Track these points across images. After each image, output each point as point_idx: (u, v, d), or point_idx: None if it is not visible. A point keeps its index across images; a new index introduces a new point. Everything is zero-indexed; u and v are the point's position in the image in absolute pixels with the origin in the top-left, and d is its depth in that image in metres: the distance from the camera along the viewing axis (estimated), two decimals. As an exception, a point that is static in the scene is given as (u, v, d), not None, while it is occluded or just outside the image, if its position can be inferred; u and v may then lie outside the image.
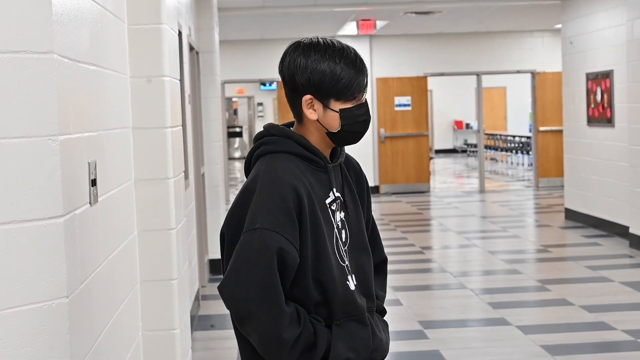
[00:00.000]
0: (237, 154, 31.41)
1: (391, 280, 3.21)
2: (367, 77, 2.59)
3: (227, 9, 12.36)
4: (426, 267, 10.02)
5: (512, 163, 24.84)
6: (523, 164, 23.82)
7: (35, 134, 2.49)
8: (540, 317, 7.68)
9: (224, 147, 12.29)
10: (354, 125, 2.59)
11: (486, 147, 24.08)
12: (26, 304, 2.46)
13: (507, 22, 17.13)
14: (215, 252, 9.69)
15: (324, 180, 2.61)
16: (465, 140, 30.17)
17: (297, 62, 2.55)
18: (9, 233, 2.43)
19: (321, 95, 2.55)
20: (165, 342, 4.21)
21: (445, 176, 22.62)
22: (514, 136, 25.75)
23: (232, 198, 18.20)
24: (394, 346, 3.93)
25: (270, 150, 2.59)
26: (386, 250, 2.91)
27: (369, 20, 15.54)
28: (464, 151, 29.48)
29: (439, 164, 26.21)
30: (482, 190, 18.17)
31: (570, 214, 13.40)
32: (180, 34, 6.36)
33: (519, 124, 28.24)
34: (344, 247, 2.62)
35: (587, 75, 12.57)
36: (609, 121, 11.87)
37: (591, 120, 12.50)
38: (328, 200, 2.60)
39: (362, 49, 17.63)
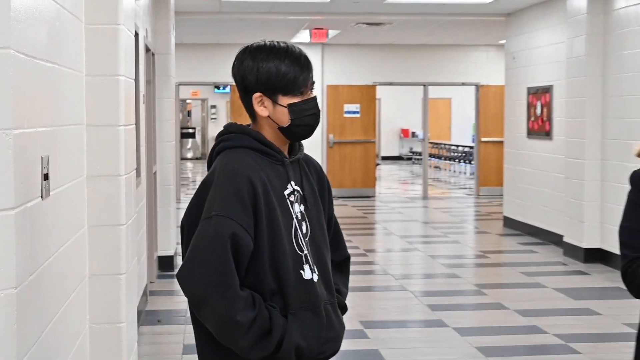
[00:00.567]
0: (189, 155, 31.29)
1: (334, 280, 3.22)
2: (312, 73, 2.66)
3: (184, 12, 12.31)
4: (369, 269, 10.05)
5: (454, 171, 25.05)
6: (465, 173, 24.02)
7: (-11, 127, 2.47)
8: (476, 320, 7.73)
9: (176, 147, 12.20)
10: (303, 119, 2.64)
11: (430, 155, 24.23)
12: (-25, 294, 2.44)
13: (454, 36, 17.27)
14: (164, 249, 9.63)
15: (282, 173, 2.66)
16: (411, 148, 30.36)
17: (245, 63, 2.64)
18: (-40, 223, 2.40)
19: (269, 91, 2.61)
20: (112, 336, 4.18)
21: (390, 182, 22.71)
22: (457, 146, 25.99)
23: (184, 197, 18.10)
24: (335, 344, 3.93)
25: (229, 145, 2.66)
26: (331, 251, 2.92)
27: (321, 29, 15.58)
28: (409, 159, 29.68)
29: (384, 170, 26.30)
30: (425, 197, 18.28)
31: (509, 222, 13.52)
32: (137, 35, 6.31)
33: (462, 134, 28.44)
34: (304, 239, 2.66)
35: (528, 89, 12.69)
36: (548, 134, 12.01)
37: (531, 133, 12.62)
38: (286, 192, 2.65)
39: (314, 57, 17.62)
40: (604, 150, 10.25)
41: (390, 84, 19.36)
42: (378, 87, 19.08)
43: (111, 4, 4.13)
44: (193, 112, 32.89)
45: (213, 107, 32.23)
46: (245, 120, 2.74)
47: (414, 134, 30.81)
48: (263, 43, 2.65)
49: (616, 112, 9.95)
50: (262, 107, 2.63)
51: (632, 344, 7.15)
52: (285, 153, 2.70)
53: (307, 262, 2.64)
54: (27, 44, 2.78)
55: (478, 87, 18.48)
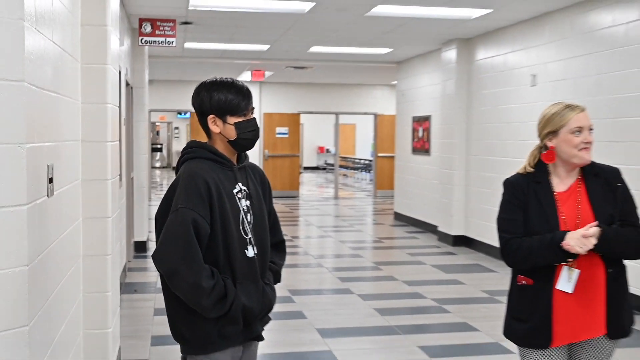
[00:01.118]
0: (158, 164, 30.80)
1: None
2: (252, 100, 2.67)
3: (155, 56, 12.14)
4: (295, 251, 10.05)
5: (358, 178, 25.16)
6: (366, 179, 24.16)
7: (8, 142, 2.41)
8: (374, 288, 7.77)
9: (148, 159, 12.01)
10: (246, 134, 2.65)
11: (340, 166, 24.35)
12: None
13: (359, 77, 17.41)
14: (139, 236, 9.49)
15: (231, 177, 2.66)
16: (325, 161, 30.40)
17: (202, 94, 2.65)
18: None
19: (220, 113, 2.62)
20: (100, 302, 4.11)
21: (310, 186, 22.74)
22: (360, 159, 26.16)
23: (154, 197, 17.74)
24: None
25: (190, 157, 2.66)
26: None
27: (260, 70, 15.53)
28: (324, 169, 29.73)
29: (306, 177, 26.31)
30: (336, 197, 18.35)
31: (398, 216, 13.65)
32: (120, 72, 6.22)
33: (364, 151, 28.63)
34: (249, 226, 2.66)
35: (413, 118, 12.82)
36: (427, 151, 12.16)
37: (415, 150, 12.76)
38: (235, 190, 2.65)
39: (254, 91, 17.62)
40: (468, 164, 10.43)
41: (311, 112, 19.40)
42: (302, 115, 19.11)
43: (101, 49, 4.06)
44: (161, 132, 32.39)
45: (176, 128, 31.78)
46: (202, 138, 2.75)
47: (327, 150, 30.86)
48: (215, 79, 2.67)
49: (477, 135, 10.15)
50: (215, 125, 2.64)
51: (488, 305, 7.30)
52: (234, 162, 2.70)
53: (251, 244, 2.65)
54: (36, 78, 2.73)
55: (376, 115, 18.63)
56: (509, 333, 2.96)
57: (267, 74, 16.24)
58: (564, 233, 2.74)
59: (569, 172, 2.90)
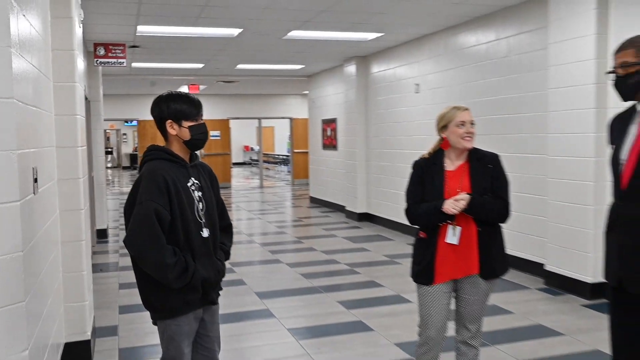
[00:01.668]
0: (109, 165, 29.85)
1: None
2: (202, 109, 2.69)
3: (108, 74, 11.77)
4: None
5: (278, 170, 25.17)
6: (284, 171, 24.20)
7: (3, 149, 2.35)
8: (298, 258, 7.79)
9: (104, 160, 11.65)
10: (198, 135, 2.67)
11: (263, 161, 24.29)
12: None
13: (277, 88, 17.38)
14: (100, 224, 9.21)
15: (185, 173, 2.65)
16: (251, 157, 30.25)
17: (160, 104, 2.65)
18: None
19: (176, 119, 2.63)
20: (78, 280, 4.01)
21: (239, 178, 22.56)
22: (279, 155, 26.11)
23: (109, 193, 17.10)
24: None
25: (150, 157, 2.65)
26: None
27: (195, 85, 15.28)
28: (250, 164, 29.58)
29: (235, 171, 26.06)
30: (261, 187, 18.30)
31: (313, 199, 13.75)
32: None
33: (282, 148, 28.67)
34: (202, 212, 2.66)
35: (323, 120, 12.93)
36: (335, 147, 12.31)
37: (325, 146, 12.89)
38: (188, 184, 2.64)
39: (191, 102, 17.27)
40: (368, 155, 10.62)
41: (238, 118, 19.20)
42: (231, 120, 18.93)
43: (70, 69, 3.94)
44: (111, 137, 31.33)
45: (124, 134, 30.82)
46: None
47: (252, 148, 30.74)
48: (170, 92, 2.67)
49: (374, 133, 10.35)
50: (172, 128, 2.64)
51: (389, 267, 7.45)
52: (187, 160, 2.70)
53: (205, 226, 2.66)
54: (22, 95, 2.65)
55: (291, 119, 18.69)
56: (411, 273, 3.14)
57: (202, 87, 15.99)
58: (444, 200, 2.92)
59: (458, 156, 3.08)
